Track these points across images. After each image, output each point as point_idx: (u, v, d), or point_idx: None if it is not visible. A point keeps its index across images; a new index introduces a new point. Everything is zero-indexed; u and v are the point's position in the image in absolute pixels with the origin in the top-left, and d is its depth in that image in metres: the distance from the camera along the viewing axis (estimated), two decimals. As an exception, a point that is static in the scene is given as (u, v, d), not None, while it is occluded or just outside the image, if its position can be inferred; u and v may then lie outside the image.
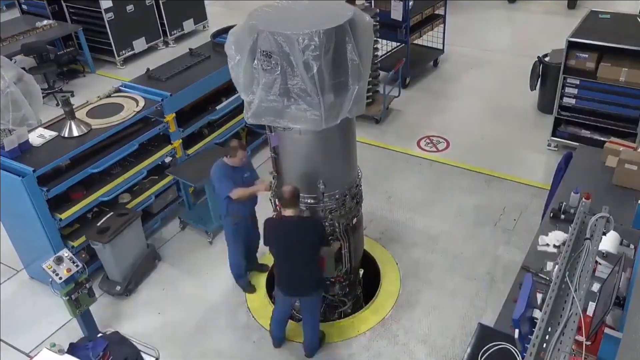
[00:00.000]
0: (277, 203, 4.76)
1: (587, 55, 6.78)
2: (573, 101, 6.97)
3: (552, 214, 4.67)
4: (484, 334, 3.51)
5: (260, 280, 5.73)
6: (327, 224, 4.62)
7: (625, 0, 10.24)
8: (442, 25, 9.53)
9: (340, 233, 4.72)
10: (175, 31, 11.27)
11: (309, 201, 4.56)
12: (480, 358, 3.06)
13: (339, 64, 3.87)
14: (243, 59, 3.94)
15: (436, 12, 9.32)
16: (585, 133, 7.08)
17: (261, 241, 4.90)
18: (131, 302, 5.66)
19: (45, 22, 10.10)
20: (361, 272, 5.43)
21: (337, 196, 4.59)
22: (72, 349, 3.97)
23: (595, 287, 3.16)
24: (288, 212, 4.36)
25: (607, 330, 2.75)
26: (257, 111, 4.03)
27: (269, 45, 3.76)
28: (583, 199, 4.32)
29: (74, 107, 5.77)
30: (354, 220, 4.86)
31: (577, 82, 6.85)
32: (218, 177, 5.06)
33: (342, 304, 5.25)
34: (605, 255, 3.26)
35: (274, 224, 4.59)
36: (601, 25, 7.04)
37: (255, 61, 3.89)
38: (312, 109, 3.90)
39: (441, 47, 9.76)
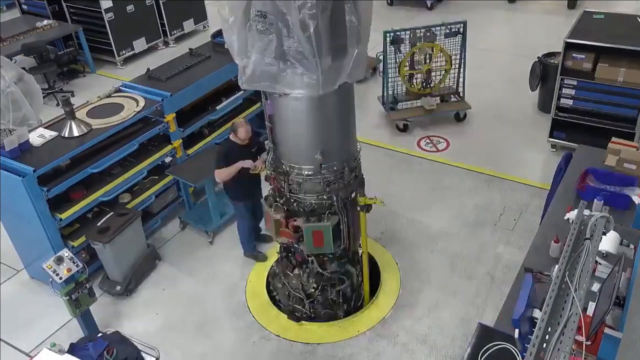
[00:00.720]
0: (272, 176, 4.69)
1: (584, 56, 6.76)
2: (570, 102, 6.97)
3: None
4: (484, 334, 3.51)
5: (260, 282, 5.74)
6: (325, 197, 4.50)
7: (625, 0, 10.24)
8: (442, 25, 9.50)
9: (339, 207, 4.55)
10: (175, 31, 11.27)
11: (306, 173, 4.40)
12: (480, 358, 3.06)
13: (336, 25, 3.70)
14: (237, 20, 3.77)
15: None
16: (584, 133, 7.07)
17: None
18: (131, 302, 5.67)
19: (45, 22, 10.10)
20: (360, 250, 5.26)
21: (335, 168, 4.43)
22: (73, 349, 3.98)
23: (595, 287, 3.15)
24: None
25: (607, 330, 2.76)
26: (252, 76, 3.88)
27: (263, 5, 3.62)
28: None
29: (74, 107, 5.77)
30: (353, 195, 4.69)
31: (575, 82, 6.84)
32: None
33: (341, 282, 5.10)
34: (605, 255, 3.26)
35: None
36: (596, 26, 7.02)
37: (250, 22, 3.74)
38: (309, 73, 3.75)
39: (441, 47, 9.73)
